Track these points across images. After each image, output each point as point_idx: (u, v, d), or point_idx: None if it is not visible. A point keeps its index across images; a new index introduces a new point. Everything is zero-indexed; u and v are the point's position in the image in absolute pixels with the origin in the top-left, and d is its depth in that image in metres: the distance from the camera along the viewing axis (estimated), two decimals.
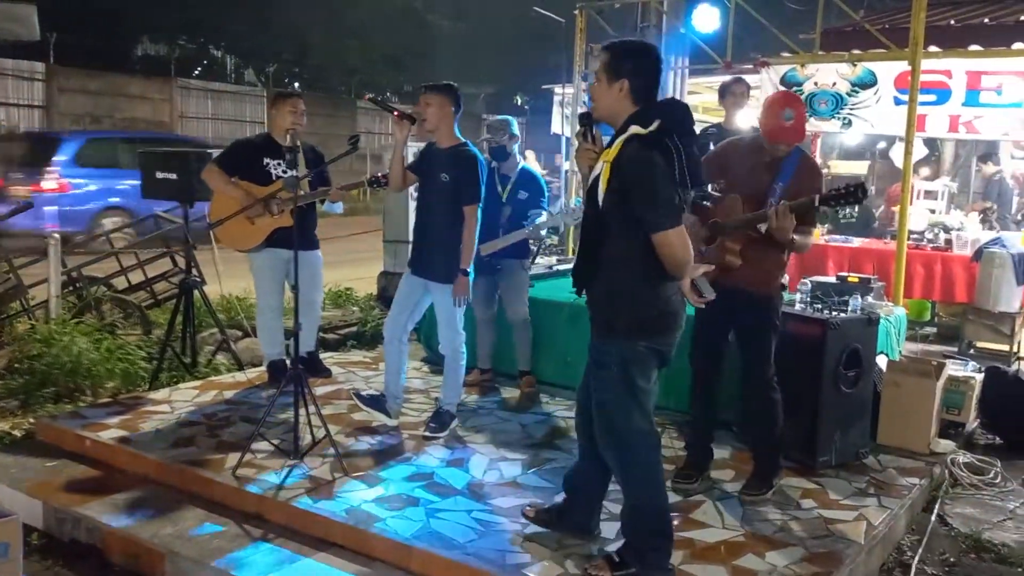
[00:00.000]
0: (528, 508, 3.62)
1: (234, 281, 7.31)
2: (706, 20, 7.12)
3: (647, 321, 3.10)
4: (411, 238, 4.73)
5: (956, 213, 9.13)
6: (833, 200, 3.74)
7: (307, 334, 5.88)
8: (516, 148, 5.50)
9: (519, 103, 32.52)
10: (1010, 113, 6.62)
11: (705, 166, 4.14)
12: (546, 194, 5.68)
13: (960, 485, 4.52)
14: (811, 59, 6.92)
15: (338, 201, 5.47)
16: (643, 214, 2.96)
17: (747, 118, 6.17)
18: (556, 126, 12.77)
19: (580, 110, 8.21)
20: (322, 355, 6.07)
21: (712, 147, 5.66)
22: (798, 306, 4.50)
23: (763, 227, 3.80)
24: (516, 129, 5.47)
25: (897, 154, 9.88)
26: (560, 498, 3.64)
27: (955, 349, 7.25)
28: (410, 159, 4.84)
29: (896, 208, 9.70)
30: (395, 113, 4.56)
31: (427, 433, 4.61)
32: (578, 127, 3.30)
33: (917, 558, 3.74)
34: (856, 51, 7.39)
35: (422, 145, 4.85)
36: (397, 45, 25.73)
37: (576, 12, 8.21)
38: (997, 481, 4.57)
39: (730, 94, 6.09)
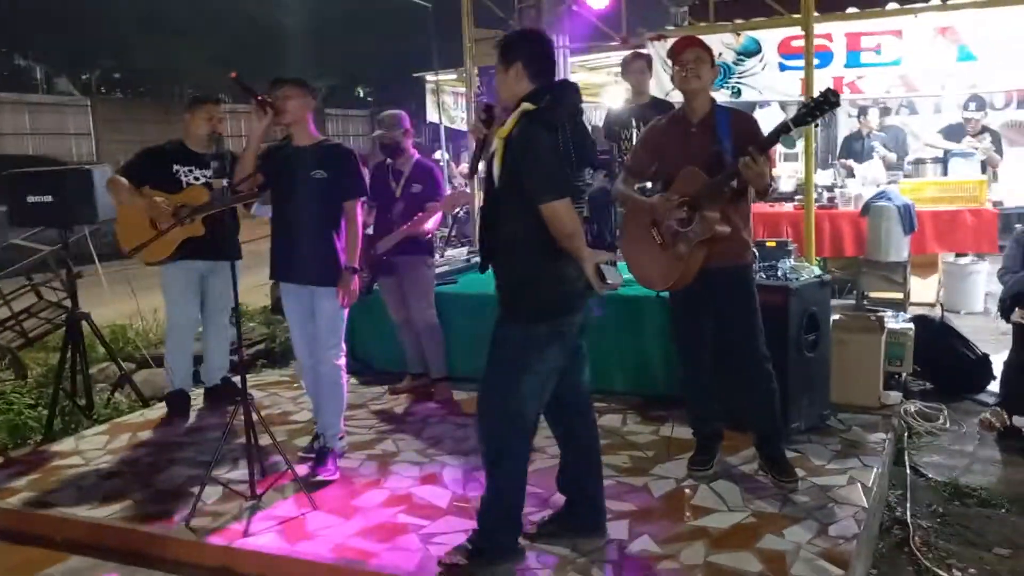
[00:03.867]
0: (529, 527, 3.36)
1: (117, 305, 6.62)
2: None
3: (548, 303, 3.06)
4: (273, 245, 4.23)
5: (825, 172, 9.50)
6: (809, 116, 3.46)
7: (218, 357, 5.39)
8: (410, 143, 5.19)
9: (360, 95, 31.69)
10: (890, 71, 6.87)
11: (635, 159, 4.01)
12: (443, 185, 5.38)
13: (917, 434, 4.64)
14: (702, 30, 6.95)
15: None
16: (529, 185, 2.97)
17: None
18: (432, 115, 12.41)
19: (475, 99, 7.99)
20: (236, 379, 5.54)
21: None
22: None
23: (734, 183, 3.57)
24: (407, 124, 5.17)
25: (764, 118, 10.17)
26: (559, 500, 3.45)
27: (852, 301, 7.54)
28: None
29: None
30: (257, 97, 4.03)
31: (321, 478, 4.01)
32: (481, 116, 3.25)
33: (909, 513, 3.76)
34: (739, 20, 7.50)
35: None
36: (226, 43, 24.35)
37: None
38: (949, 426, 4.72)
39: (630, 72, 5.92)
